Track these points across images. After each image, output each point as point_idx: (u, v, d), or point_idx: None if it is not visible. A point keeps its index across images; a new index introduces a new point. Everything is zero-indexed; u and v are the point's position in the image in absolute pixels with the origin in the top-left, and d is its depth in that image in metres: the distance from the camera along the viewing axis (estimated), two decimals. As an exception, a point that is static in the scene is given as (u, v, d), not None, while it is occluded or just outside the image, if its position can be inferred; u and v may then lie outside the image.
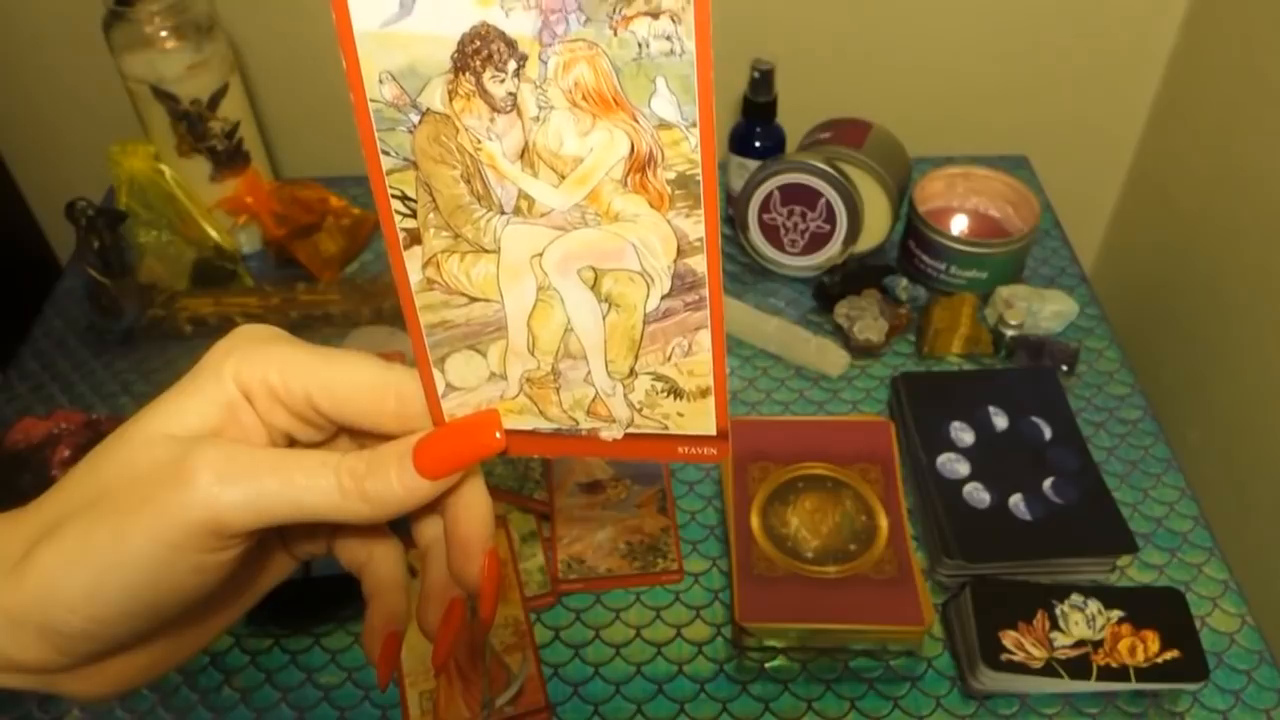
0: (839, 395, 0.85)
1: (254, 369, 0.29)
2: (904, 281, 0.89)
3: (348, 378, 0.30)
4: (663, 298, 0.27)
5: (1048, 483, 0.73)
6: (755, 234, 0.93)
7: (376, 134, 0.26)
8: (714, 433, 0.30)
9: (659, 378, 0.29)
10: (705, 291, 0.27)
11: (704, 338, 0.28)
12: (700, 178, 0.25)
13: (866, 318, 0.87)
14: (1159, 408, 0.85)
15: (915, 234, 0.90)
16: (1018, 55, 1.07)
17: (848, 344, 0.87)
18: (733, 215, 0.96)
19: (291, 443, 0.31)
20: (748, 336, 0.89)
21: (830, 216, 0.89)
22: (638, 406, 0.30)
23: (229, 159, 0.95)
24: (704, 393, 0.29)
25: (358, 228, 0.99)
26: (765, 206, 0.90)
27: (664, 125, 0.25)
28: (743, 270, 0.96)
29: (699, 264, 0.27)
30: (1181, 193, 1.06)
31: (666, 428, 0.30)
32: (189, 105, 0.90)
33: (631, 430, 0.30)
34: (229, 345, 0.30)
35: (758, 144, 0.94)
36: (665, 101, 0.24)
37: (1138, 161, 1.15)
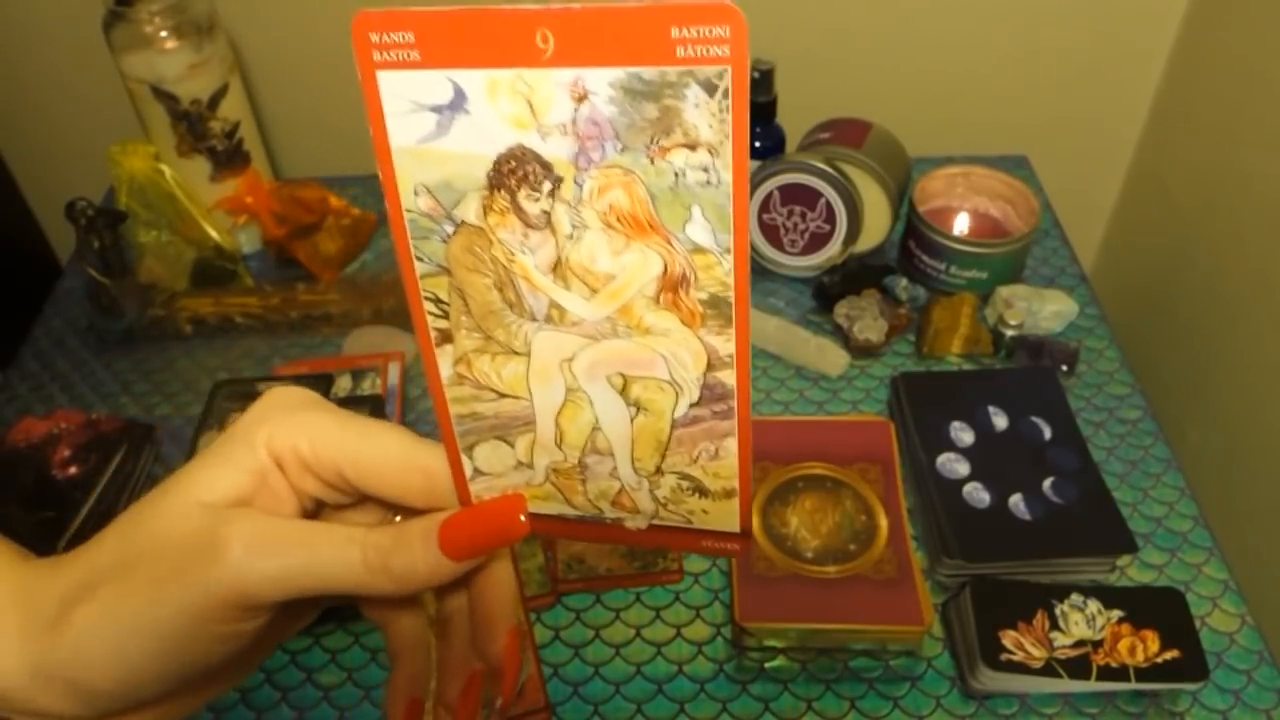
0: (839, 395, 0.85)
1: (286, 438, 0.30)
2: (904, 281, 0.89)
3: (377, 452, 0.30)
4: (691, 406, 0.28)
5: (1048, 483, 0.73)
6: (755, 234, 0.93)
7: (411, 241, 0.27)
8: (737, 530, 0.30)
9: (685, 477, 0.29)
10: (734, 403, 0.27)
11: (731, 444, 0.28)
12: (733, 300, 0.26)
13: (866, 318, 0.87)
14: (1159, 408, 0.85)
15: (915, 234, 0.90)
16: (1018, 55, 1.07)
17: (848, 344, 0.87)
18: (733, 215, 0.96)
19: (320, 506, 0.32)
20: (748, 336, 0.89)
21: (830, 216, 0.89)
22: (663, 501, 0.30)
23: (229, 159, 0.95)
24: (729, 494, 0.29)
25: (358, 228, 0.99)
26: (765, 206, 0.90)
27: (698, 250, 0.25)
28: (743, 270, 0.96)
29: (728, 378, 0.27)
30: (1181, 192, 1.06)
31: (690, 522, 0.30)
32: (189, 105, 0.90)
33: (656, 522, 0.31)
34: (262, 413, 0.30)
35: (758, 144, 0.94)
36: (700, 229, 0.25)
37: (1138, 161, 1.15)
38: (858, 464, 0.73)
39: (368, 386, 0.84)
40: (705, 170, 0.24)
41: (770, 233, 0.92)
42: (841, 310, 0.88)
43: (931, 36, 1.06)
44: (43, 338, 0.94)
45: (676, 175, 0.24)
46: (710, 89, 0.23)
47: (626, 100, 0.23)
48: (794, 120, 0.96)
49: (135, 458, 0.79)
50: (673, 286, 0.26)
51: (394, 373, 0.85)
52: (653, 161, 0.24)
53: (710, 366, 0.27)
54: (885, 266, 0.92)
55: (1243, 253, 0.95)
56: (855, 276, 0.90)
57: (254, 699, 0.67)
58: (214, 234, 0.94)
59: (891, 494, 0.71)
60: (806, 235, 0.91)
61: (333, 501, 0.32)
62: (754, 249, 0.94)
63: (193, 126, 0.91)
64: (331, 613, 0.69)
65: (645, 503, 0.30)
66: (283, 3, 1.03)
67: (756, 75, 0.91)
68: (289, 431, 0.30)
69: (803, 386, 0.86)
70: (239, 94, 0.93)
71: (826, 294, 0.91)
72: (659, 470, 0.29)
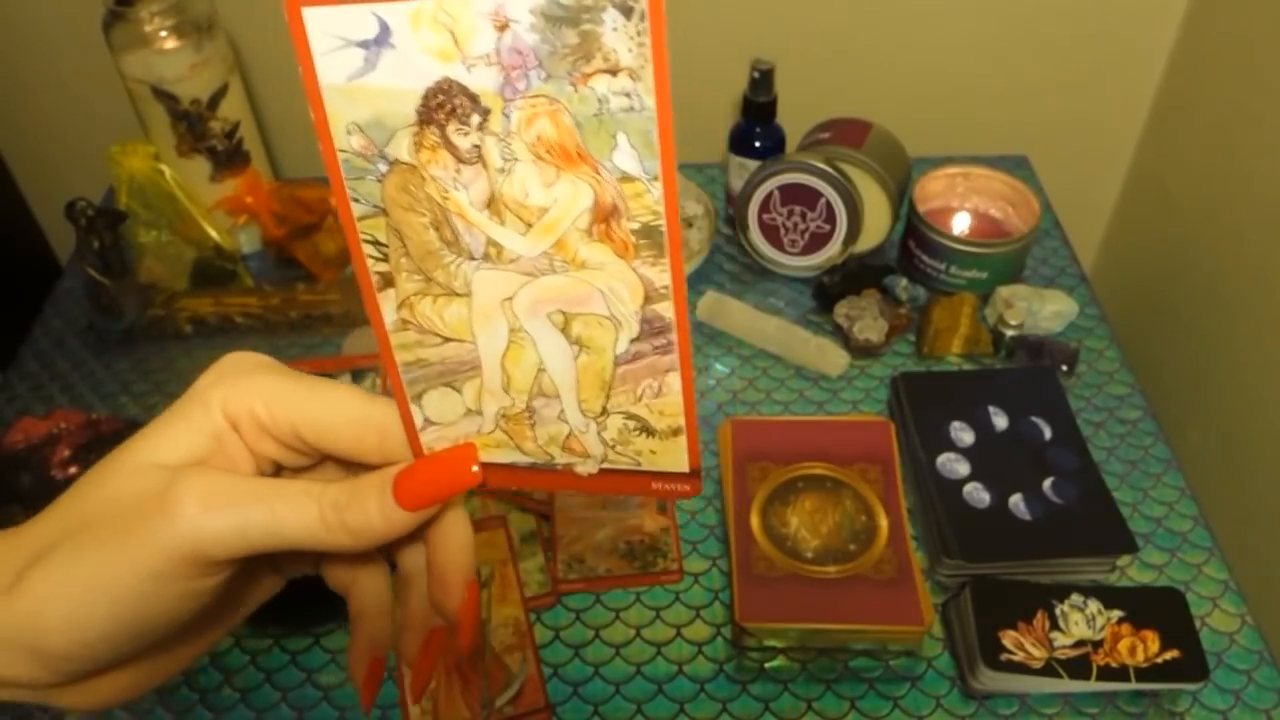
0: (839, 395, 0.85)
1: (241, 399, 0.30)
2: (904, 281, 0.89)
3: (331, 411, 0.30)
4: (632, 341, 0.28)
5: (1048, 483, 0.73)
6: (755, 234, 0.93)
7: (346, 182, 0.27)
8: (686, 470, 0.30)
9: (631, 416, 0.29)
10: (673, 336, 0.28)
11: (674, 380, 0.28)
12: (664, 228, 0.26)
13: (866, 318, 0.87)
14: (1159, 408, 0.85)
15: (915, 234, 0.90)
16: (1018, 55, 1.07)
17: (848, 344, 0.87)
18: (733, 215, 0.96)
19: (278, 469, 0.32)
20: (748, 336, 0.89)
21: (830, 216, 0.89)
22: (611, 444, 0.30)
23: (229, 159, 0.95)
24: (675, 432, 0.29)
25: (358, 228, 0.99)
26: (765, 206, 0.90)
27: (626, 178, 0.25)
28: (743, 270, 0.96)
29: (666, 310, 0.27)
30: (1181, 192, 1.06)
31: (639, 464, 0.30)
32: (189, 105, 0.90)
33: (606, 466, 0.31)
34: (216, 375, 0.30)
35: (758, 144, 0.94)
36: (627, 156, 0.25)
37: (1138, 161, 1.15)
38: (858, 464, 0.73)
39: (367, 386, 0.84)
40: (628, 95, 0.24)
41: (770, 233, 0.92)
42: (841, 310, 0.88)
43: (931, 36, 1.06)
44: (42, 338, 0.94)
45: (600, 102, 0.24)
46: (627, 11, 0.23)
47: (547, 27, 0.23)
48: (794, 120, 0.96)
49: (135, 458, 0.79)
50: (604, 217, 0.26)
51: (394, 373, 0.85)
52: (576, 89, 0.24)
53: (647, 299, 0.27)
54: (885, 266, 0.92)
55: (1243, 252, 0.95)
56: (855, 276, 0.90)
57: (253, 699, 0.67)
58: (214, 234, 0.94)
59: (891, 494, 0.71)
60: (806, 235, 0.91)
61: (290, 464, 0.32)
62: (754, 249, 0.94)
63: (193, 126, 0.91)
64: (331, 613, 0.70)
65: (594, 446, 0.30)
66: (283, 3, 1.03)
67: (756, 75, 0.91)
68: (244, 394, 0.30)
69: (803, 386, 0.86)
70: (239, 94, 0.93)
71: (826, 294, 0.91)
72: (605, 410, 0.29)
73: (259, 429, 0.30)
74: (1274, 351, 0.90)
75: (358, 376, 0.84)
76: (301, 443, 0.31)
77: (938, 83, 1.09)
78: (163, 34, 0.86)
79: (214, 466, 0.29)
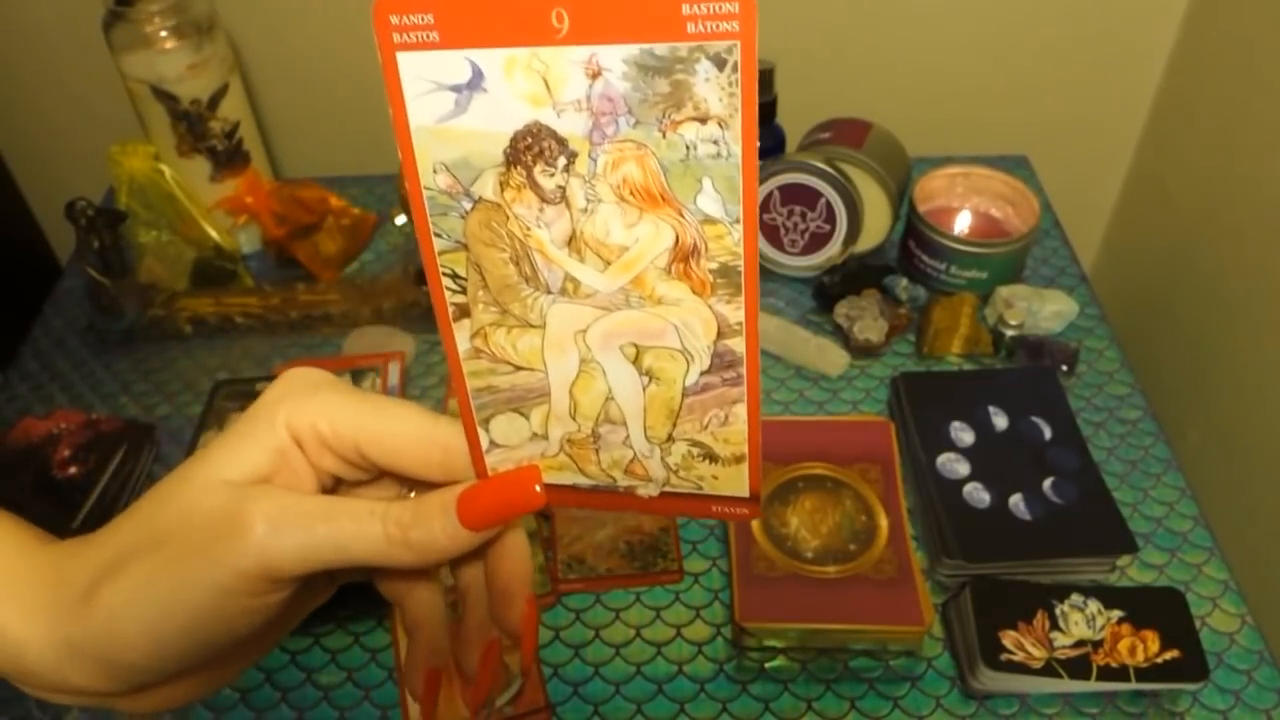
0: (839, 395, 0.85)
1: (305, 416, 0.30)
2: (904, 281, 0.89)
3: (395, 429, 0.31)
4: (702, 374, 0.29)
5: (1048, 483, 0.73)
6: (755, 234, 0.92)
7: (430, 218, 0.28)
8: (747, 495, 0.31)
9: (695, 444, 0.30)
10: (743, 370, 0.28)
11: (740, 410, 0.29)
12: (742, 269, 0.26)
13: (866, 318, 0.87)
14: (1159, 408, 0.85)
15: (915, 234, 0.90)
16: (1018, 55, 1.07)
17: (848, 344, 0.87)
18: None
19: (338, 483, 0.33)
20: (748, 336, 0.89)
21: (830, 216, 0.89)
22: (674, 468, 0.31)
23: (229, 159, 0.95)
24: (739, 459, 0.30)
25: (358, 228, 0.99)
26: (765, 206, 0.90)
27: (709, 221, 0.26)
28: (743, 270, 0.96)
29: (738, 345, 0.28)
30: (1181, 192, 1.06)
31: (701, 488, 0.31)
32: (189, 105, 0.90)
33: (667, 489, 0.31)
34: (281, 392, 0.31)
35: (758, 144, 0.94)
36: (710, 200, 0.25)
37: (1138, 161, 1.15)
38: (858, 464, 0.73)
39: (368, 386, 0.84)
40: (715, 143, 0.24)
41: (770, 233, 0.92)
42: (841, 310, 0.88)
43: (932, 36, 1.06)
44: (42, 338, 0.94)
45: (688, 148, 0.25)
46: (720, 64, 0.23)
47: (639, 76, 0.24)
48: (794, 120, 0.96)
49: (135, 458, 0.79)
50: (684, 257, 0.26)
51: (394, 373, 0.85)
52: (665, 135, 0.25)
53: (720, 334, 0.28)
54: (885, 266, 0.92)
55: (1243, 253, 0.95)
56: (855, 276, 0.90)
57: (254, 699, 0.67)
58: (214, 234, 0.94)
59: (891, 494, 0.71)
60: (806, 235, 0.91)
61: (350, 478, 0.32)
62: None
63: (193, 126, 0.91)
64: (331, 613, 0.70)
65: (657, 470, 0.31)
66: (283, 3, 1.03)
67: (756, 75, 0.91)
68: (308, 411, 0.30)
69: (803, 386, 0.86)
70: (239, 94, 0.93)
71: (826, 294, 0.91)
72: (670, 438, 0.30)
73: (321, 445, 0.31)
74: (1274, 351, 0.90)
75: (358, 376, 0.84)
76: (364, 459, 0.31)
77: (938, 83, 1.09)
78: (163, 34, 0.86)
79: (279, 483, 0.30)
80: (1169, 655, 0.62)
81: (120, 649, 0.29)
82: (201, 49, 0.88)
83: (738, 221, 0.25)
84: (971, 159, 0.99)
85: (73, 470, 0.76)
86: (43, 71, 1.10)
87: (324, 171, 1.08)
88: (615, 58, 0.24)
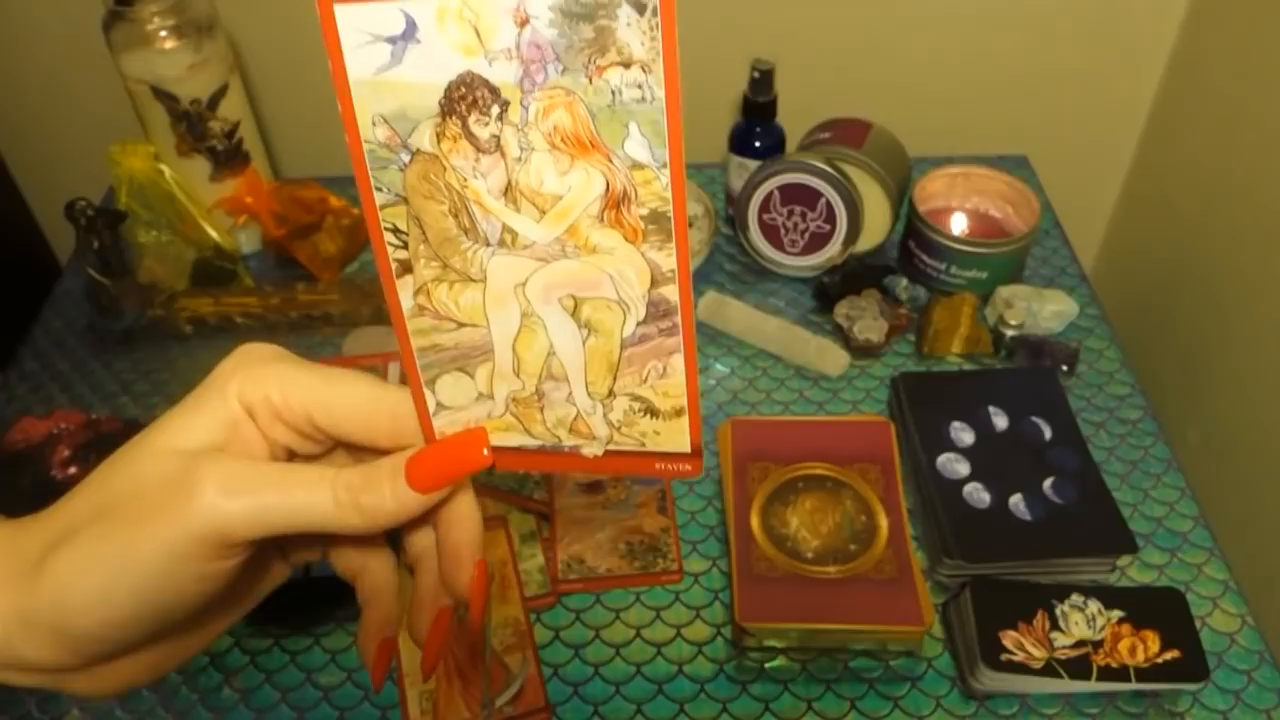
0: (839, 395, 0.85)
1: (256, 387, 0.31)
2: (904, 281, 0.89)
3: (345, 397, 0.31)
4: (638, 324, 0.29)
5: (1048, 483, 0.73)
6: (755, 234, 0.93)
7: (370, 172, 0.28)
8: (688, 450, 0.31)
9: (636, 398, 0.31)
10: (678, 319, 0.29)
11: (678, 361, 0.30)
12: (672, 214, 0.27)
13: (866, 318, 0.87)
14: (1159, 408, 0.85)
15: (915, 234, 0.90)
16: (1018, 55, 1.07)
17: (848, 344, 0.87)
18: (733, 215, 0.96)
19: (291, 456, 0.33)
20: (748, 336, 0.89)
21: (830, 216, 0.89)
22: (617, 425, 0.31)
23: (229, 159, 0.95)
24: (678, 412, 0.31)
25: (357, 228, 0.99)
26: (765, 206, 0.90)
27: (637, 166, 0.26)
28: (743, 270, 0.96)
29: (671, 293, 0.28)
30: (1181, 193, 1.06)
31: (644, 445, 0.32)
32: (189, 105, 0.90)
33: (611, 447, 0.32)
34: (233, 364, 0.31)
35: (758, 144, 0.94)
36: (638, 144, 0.26)
37: (1138, 161, 1.15)
38: (858, 464, 0.73)
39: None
40: (640, 87, 0.25)
41: (770, 233, 0.92)
42: (841, 310, 0.88)
43: (932, 36, 1.06)
44: (42, 338, 0.94)
45: (614, 93, 0.25)
46: (640, 8, 0.24)
47: (565, 22, 0.25)
48: (794, 120, 0.96)
49: (135, 458, 0.79)
50: (615, 204, 0.27)
51: (394, 372, 0.85)
52: (591, 81, 0.25)
53: (654, 283, 0.28)
54: (885, 266, 0.92)
55: (1242, 253, 0.95)
56: (855, 276, 0.90)
57: (254, 699, 0.67)
58: (214, 234, 0.94)
59: (891, 494, 0.71)
60: (806, 235, 0.91)
61: (303, 450, 0.33)
62: (754, 249, 0.94)
63: (192, 126, 0.91)
64: (331, 613, 0.70)
65: (600, 428, 0.31)
66: (283, 3, 1.03)
67: (756, 75, 0.91)
68: (259, 382, 0.31)
69: (803, 386, 0.86)
70: (239, 94, 0.93)
71: (826, 294, 0.91)
72: (611, 393, 0.31)
73: (273, 416, 0.31)
74: (1275, 351, 0.90)
75: (358, 376, 0.84)
76: (315, 429, 0.32)
77: (938, 83, 1.09)
78: (163, 34, 0.86)
79: (231, 453, 0.30)
80: (1169, 655, 0.62)
81: (71, 615, 0.29)
82: (201, 49, 0.88)
83: (665, 166, 0.26)
84: (971, 159, 0.99)
85: (72, 470, 0.76)
86: (42, 71, 1.10)
87: (324, 171, 1.08)
88: (542, 5, 0.24)
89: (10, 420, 0.83)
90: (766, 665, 0.67)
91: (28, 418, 0.80)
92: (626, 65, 0.25)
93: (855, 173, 0.89)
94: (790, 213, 0.90)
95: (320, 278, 0.95)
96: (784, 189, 0.89)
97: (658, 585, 0.72)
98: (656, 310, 0.29)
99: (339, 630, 0.70)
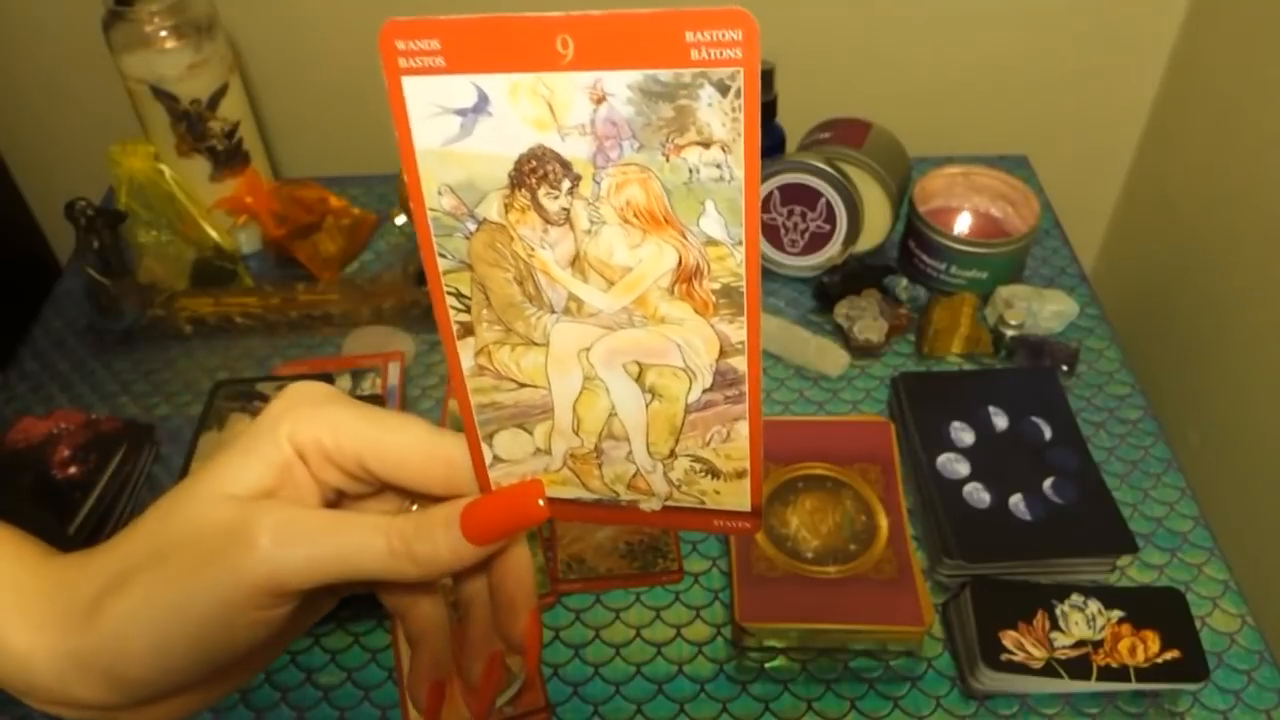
0: (839, 395, 0.85)
1: (308, 430, 0.31)
2: (904, 281, 0.89)
3: (398, 442, 0.31)
4: (704, 391, 0.29)
5: (1048, 483, 0.73)
6: (755, 234, 0.92)
7: (434, 239, 0.28)
8: (749, 509, 0.31)
9: (698, 459, 0.30)
10: (745, 388, 0.29)
11: (742, 427, 0.29)
12: (744, 289, 0.27)
13: (866, 318, 0.87)
14: (1159, 408, 0.85)
15: (915, 234, 0.90)
16: (1018, 55, 1.07)
17: (848, 344, 0.87)
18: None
19: (341, 496, 0.33)
20: (748, 336, 0.89)
21: (830, 216, 0.89)
22: (676, 483, 0.31)
23: (229, 159, 0.95)
24: (740, 474, 0.30)
25: (358, 228, 0.99)
26: (765, 206, 0.90)
27: (712, 242, 0.26)
28: (743, 270, 0.96)
29: (740, 364, 0.28)
30: (1181, 193, 1.06)
31: (703, 503, 0.31)
32: (189, 105, 0.90)
33: (670, 503, 0.32)
34: (284, 405, 0.31)
35: (758, 144, 0.94)
36: (713, 222, 0.26)
37: (1138, 161, 1.15)
38: (858, 464, 0.73)
39: (367, 386, 0.84)
40: (718, 167, 0.25)
41: (770, 233, 0.92)
42: (841, 310, 0.88)
43: (932, 36, 1.06)
44: (42, 338, 0.94)
45: (691, 172, 0.25)
46: (723, 89, 0.24)
47: (643, 101, 0.24)
48: (794, 120, 0.96)
49: (135, 458, 0.79)
50: (687, 277, 0.27)
51: (394, 373, 0.85)
52: (668, 159, 0.25)
53: (723, 353, 0.28)
54: (885, 266, 0.92)
55: (1242, 253, 0.95)
56: (855, 276, 0.90)
57: (254, 699, 0.66)
58: (214, 234, 0.94)
59: (891, 494, 0.71)
60: (806, 235, 0.91)
61: (353, 491, 0.32)
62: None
63: (192, 126, 0.91)
64: (331, 613, 0.69)
65: (659, 485, 0.31)
66: (283, 3, 1.03)
67: (756, 75, 0.91)
68: (311, 425, 0.31)
69: (803, 386, 0.86)
70: (239, 94, 0.93)
71: (826, 294, 0.91)
72: (673, 454, 0.30)
73: (324, 459, 0.31)
74: (1274, 351, 0.90)
75: (357, 376, 0.84)
76: (366, 473, 0.31)
77: (938, 83, 1.09)
78: (163, 34, 0.86)
79: (282, 497, 0.30)
80: (1169, 655, 0.62)
81: (125, 662, 0.29)
82: (201, 49, 0.88)
83: (740, 243, 0.26)
84: (971, 159, 0.99)
85: (72, 470, 0.76)
86: (42, 71, 1.10)
87: (324, 171, 1.08)
88: (620, 83, 0.24)
89: (10, 420, 0.83)
90: (766, 665, 0.67)
91: (28, 418, 0.80)
92: (706, 145, 0.25)
93: (855, 173, 0.89)
94: (790, 213, 0.90)
95: (320, 278, 0.95)
96: (784, 189, 0.89)
97: (658, 585, 0.72)
98: (724, 379, 0.29)
99: (339, 630, 0.70)
